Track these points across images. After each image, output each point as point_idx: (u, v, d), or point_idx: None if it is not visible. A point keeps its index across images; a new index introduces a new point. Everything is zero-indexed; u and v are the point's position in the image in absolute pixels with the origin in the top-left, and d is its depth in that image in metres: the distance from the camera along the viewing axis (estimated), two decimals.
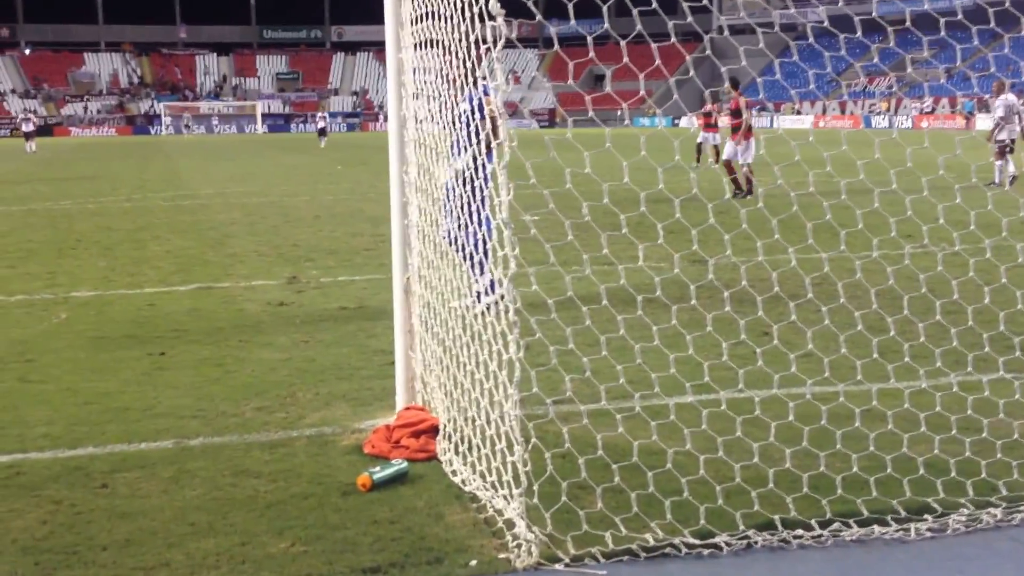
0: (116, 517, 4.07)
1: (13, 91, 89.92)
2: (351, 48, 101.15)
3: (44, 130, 62.30)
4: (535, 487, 3.83)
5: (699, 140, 23.86)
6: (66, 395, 5.94)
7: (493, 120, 6.02)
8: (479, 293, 7.05)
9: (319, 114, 56.75)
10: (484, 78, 7.49)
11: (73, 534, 3.92)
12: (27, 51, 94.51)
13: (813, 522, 3.86)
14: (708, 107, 23.48)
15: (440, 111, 4.84)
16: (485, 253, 6.61)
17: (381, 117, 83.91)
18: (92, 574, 3.57)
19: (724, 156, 18.67)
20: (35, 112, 58.83)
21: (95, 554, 3.73)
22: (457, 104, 4.78)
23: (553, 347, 4.23)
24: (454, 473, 4.46)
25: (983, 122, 56.64)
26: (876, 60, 5.45)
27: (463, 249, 5.93)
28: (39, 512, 4.15)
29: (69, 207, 18.97)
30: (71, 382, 6.23)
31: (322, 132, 49.85)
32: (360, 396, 5.84)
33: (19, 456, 4.87)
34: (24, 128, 50.58)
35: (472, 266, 6.80)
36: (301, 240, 13.42)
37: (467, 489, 4.28)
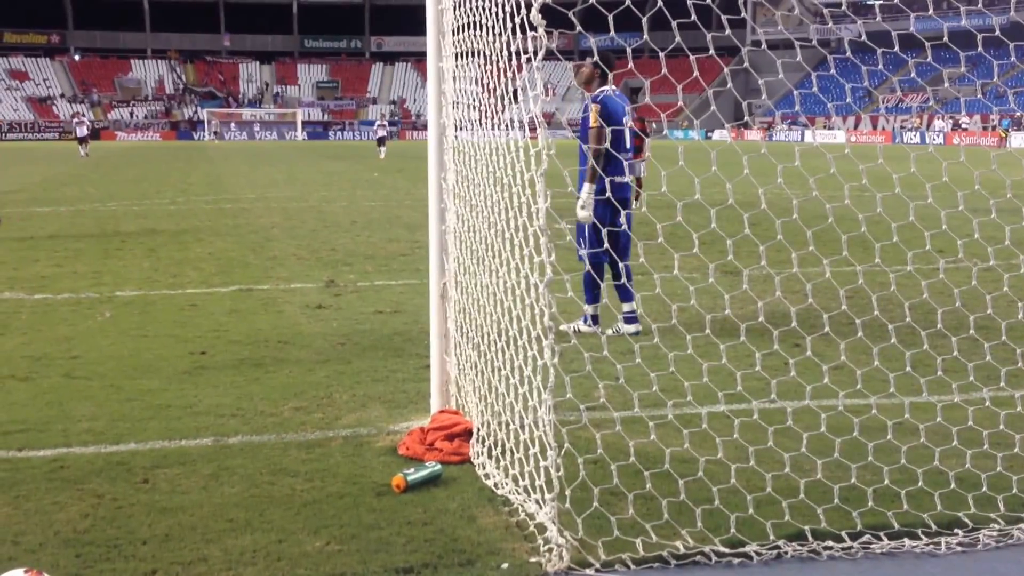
0: (156, 512, 4.17)
1: (62, 95, 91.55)
2: (390, 58, 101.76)
3: (91, 134, 63.07)
4: (567, 492, 3.87)
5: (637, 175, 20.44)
6: (109, 392, 6.07)
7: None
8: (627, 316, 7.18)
9: (378, 121, 48.41)
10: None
11: (114, 528, 4.01)
12: (76, 57, 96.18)
13: (843, 534, 3.86)
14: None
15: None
16: (590, 282, 6.57)
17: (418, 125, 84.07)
18: (132, 567, 3.66)
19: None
20: (82, 115, 59.26)
21: (135, 548, 3.82)
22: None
23: (587, 353, 4.27)
24: (487, 476, 4.51)
25: (1017, 139, 55.74)
26: (913, 75, 5.43)
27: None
28: (81, 505, 4.25)
29: (115, 209, 19.29)
30: (114, 379, 6.37)
31: (381, 141, 43.91)
32: (395, 398, 5.91)
33: (63, 450, 4.99)
34: (78, 132, 46.45)
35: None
36: (339, 245, 13.56)
37: (500, 492, 4.33)
